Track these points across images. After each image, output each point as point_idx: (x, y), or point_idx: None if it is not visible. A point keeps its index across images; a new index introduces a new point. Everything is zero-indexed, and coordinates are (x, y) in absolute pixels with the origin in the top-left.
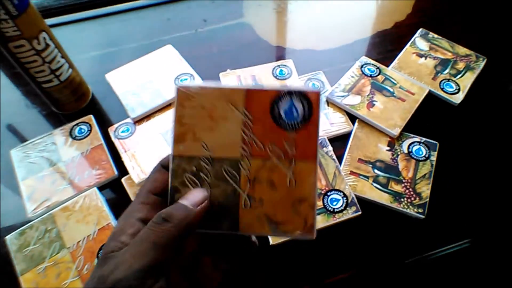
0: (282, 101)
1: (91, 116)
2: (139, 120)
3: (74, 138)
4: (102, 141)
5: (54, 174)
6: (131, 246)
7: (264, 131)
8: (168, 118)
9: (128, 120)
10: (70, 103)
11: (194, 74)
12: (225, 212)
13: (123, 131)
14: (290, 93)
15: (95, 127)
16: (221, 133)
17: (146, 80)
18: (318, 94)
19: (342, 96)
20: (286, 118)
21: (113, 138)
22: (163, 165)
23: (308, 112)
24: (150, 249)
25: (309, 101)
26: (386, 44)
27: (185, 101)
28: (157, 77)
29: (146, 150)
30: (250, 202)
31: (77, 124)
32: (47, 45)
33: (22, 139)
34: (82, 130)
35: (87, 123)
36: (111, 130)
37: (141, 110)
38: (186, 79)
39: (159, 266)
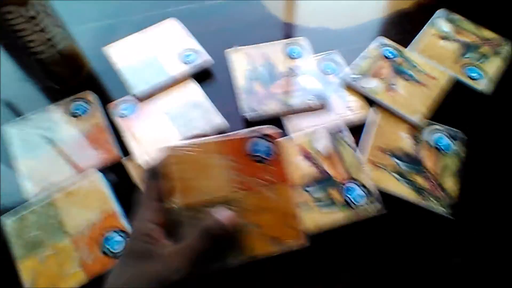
0: (252, 144)
1: (89, 91)
2: (141, 98)
3: (72, 115)
4: (102, 119)
5: (53, 153)
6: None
7: (245, 168)
8: (173, 96)
9: (130, 97)
10: (67, 77)
11: (201, 50)
12: (231, 243)
13: (124, 109)
14: (255, 136)
15: (95, 104)
16: (212, 178)
17: (149, 55)
18: (277, 134)
19: (359, 79)
20: (258, 155)
21: (114, 116)
22: (154, 173)
23: (274, 147)
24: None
25: (271, 138)
26: (405, 25)
27: (174, 158)
28: (161, 52)
29: (150, 129)
30: (251, 228)
31: (75, 100)
32: (39, 12)
33: (16, 114)
34: (81, 107)
35: (85, 99)
36: (111, 108)
37: (143, 87)
38: (191, 54)
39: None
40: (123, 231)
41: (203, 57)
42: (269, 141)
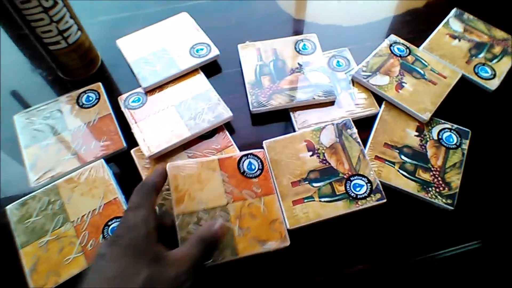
0: (243, 162)
1: (100, 83)
2: (151, 90)
3: (81, 106)
4: (111, 111)
5: (59, 143)
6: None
7: (237, 182)
8: (182, 89)
9: (139, 89)
10: (78, 69)
11: (210, 44)
12: (224, 244)
13: (133, 101)
14: (246, 155)
15: (104, 96)
16: (209, 190)
17: (160, 49)
18: (263, 153)
19: (369, 76)
20: (249, 172)
21: (122, 108)
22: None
23: (261, 165)
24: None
25: (259, 158)
26: (417, 24)
27: (177, 173)
28: (172, 46)
29: (158, 122)
30: (242, 232)
31: (84, 92)
32: (56, 3)
33: (26, 105)
34: (90, 98)
35: (95, 91)
36: (120, 100)
37: (153, 79)
38: (202, 49)
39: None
40: None
41: (212, 51)
42: (258, 161)
